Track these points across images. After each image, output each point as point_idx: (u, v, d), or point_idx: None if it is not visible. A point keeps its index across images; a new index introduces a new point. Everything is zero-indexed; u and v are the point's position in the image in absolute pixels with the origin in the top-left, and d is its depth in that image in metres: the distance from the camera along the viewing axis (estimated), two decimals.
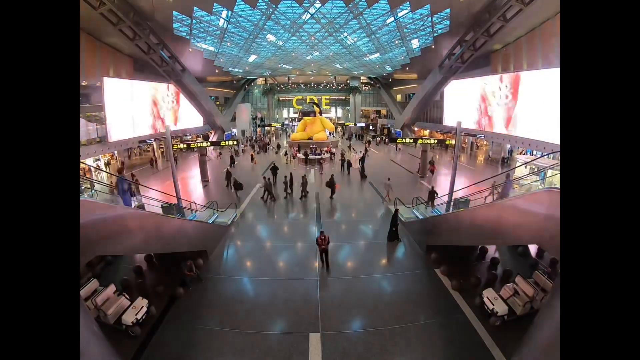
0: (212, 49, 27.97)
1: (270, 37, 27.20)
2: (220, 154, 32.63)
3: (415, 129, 41.01)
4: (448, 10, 21.39)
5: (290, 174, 19.13)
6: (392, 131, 43.02)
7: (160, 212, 11.10)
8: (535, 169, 16.29)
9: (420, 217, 13.48)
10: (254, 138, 43.95)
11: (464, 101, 30.56)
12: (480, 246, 11.65)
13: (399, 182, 21.30)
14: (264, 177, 19.13)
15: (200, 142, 24.08)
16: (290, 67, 42.34)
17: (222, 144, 26.44)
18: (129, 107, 26.00)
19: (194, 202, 14.64)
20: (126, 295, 8.63)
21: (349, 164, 24.35)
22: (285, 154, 31.33)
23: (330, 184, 17.89)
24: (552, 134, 20.27)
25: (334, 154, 30.32)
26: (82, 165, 20.36)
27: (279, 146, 38.35)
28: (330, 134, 36.53)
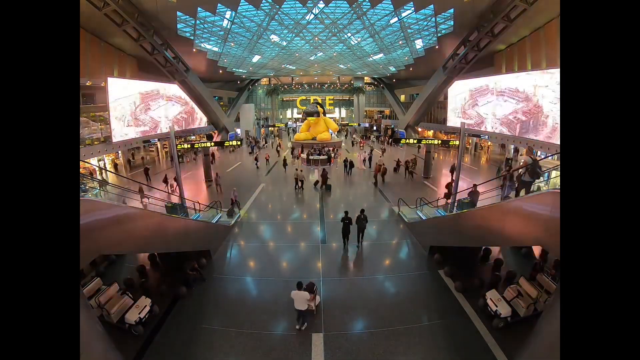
0: (216, 49, 28.08)
1: (274, 38, 27.25)
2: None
3: (419, 129, 40.92)
4: (452, 10, 21.31)
5: None
6: (396, 131, 42.99)
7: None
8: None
9: (424, 218, 13.45)
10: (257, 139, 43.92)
11: None
12: (483, 247, 11.61)
13: (400, 182, 21.29)
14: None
15: (204, 142, 24.17)
16: (294, 68, 42.43)
17: (226, 144, 26.53)
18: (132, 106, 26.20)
19: (198, 202, 14.71)
20: (129, 295, 8.68)
21: (351, 164, 24.34)
22: (291, 153, 31.43)
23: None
24: None
25: (332, 156, 29.89)
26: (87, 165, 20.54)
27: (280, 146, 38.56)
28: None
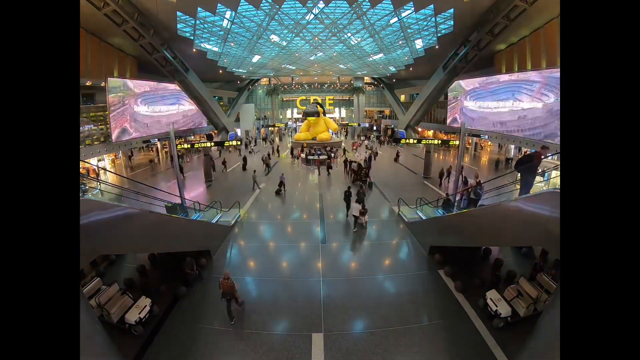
0: (215, 49, 28.02)
1: (274, 38, 27.20)
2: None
3: (419, 129, 40.85)
4: (452, 10, 21.29)
5: None
6: (396, 131, 42.97)
7: None
8: (540, 170, 16.16)
9: (424, 217, 13.44)
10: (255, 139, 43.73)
11: None
12: (483, 247, 11.60)
13: (402, 182, 21.28)
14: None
15: (204, 142, 24.23)
16: (294, 68, 42.35)
17: (226, 144, 26.59)
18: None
19: (198, 202, 14.70)
20: (129, 294, 8.69)
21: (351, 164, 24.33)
22: (291, 153, 31.48)
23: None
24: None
25: (332, 156, 29.60)
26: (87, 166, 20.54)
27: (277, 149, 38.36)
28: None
